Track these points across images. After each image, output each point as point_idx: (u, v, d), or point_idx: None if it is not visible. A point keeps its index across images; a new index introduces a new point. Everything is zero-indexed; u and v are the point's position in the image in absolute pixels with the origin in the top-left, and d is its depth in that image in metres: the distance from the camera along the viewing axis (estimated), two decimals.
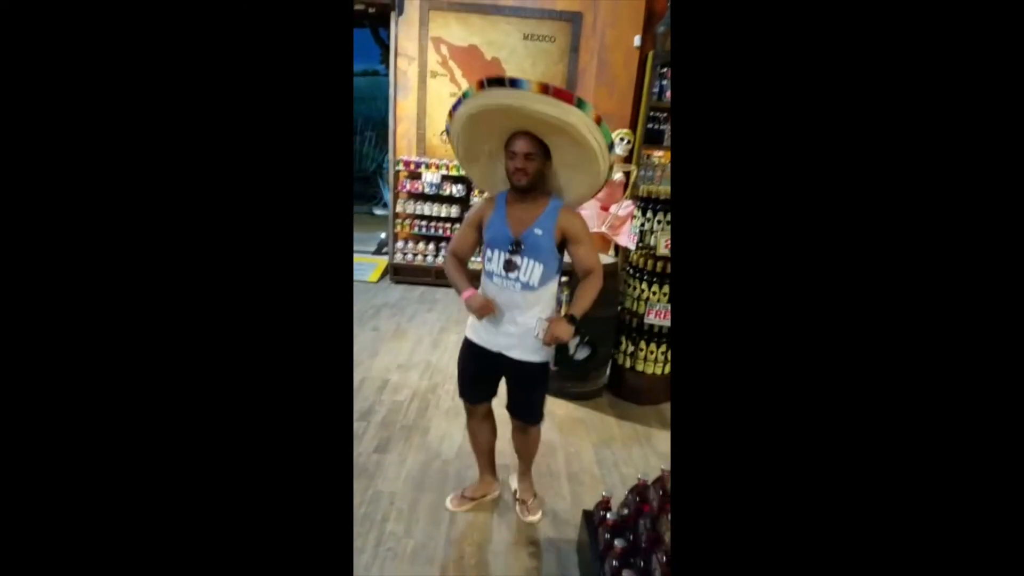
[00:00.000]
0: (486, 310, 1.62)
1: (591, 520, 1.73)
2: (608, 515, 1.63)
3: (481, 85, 1.45)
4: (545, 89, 1.39)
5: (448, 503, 1.98)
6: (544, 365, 1.71)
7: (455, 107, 1.56)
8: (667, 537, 1.34)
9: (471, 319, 1.73)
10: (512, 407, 1.82)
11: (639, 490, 1.58)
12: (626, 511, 1.63)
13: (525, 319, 1.63)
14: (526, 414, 1.81)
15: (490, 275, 1.65)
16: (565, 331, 1.55)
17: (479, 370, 1.77)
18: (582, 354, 1.69)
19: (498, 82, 1.43)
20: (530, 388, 1.76)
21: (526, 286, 1.60)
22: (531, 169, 1.53)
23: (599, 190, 1.65)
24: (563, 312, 1.64)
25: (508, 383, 1.79)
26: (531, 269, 1.59)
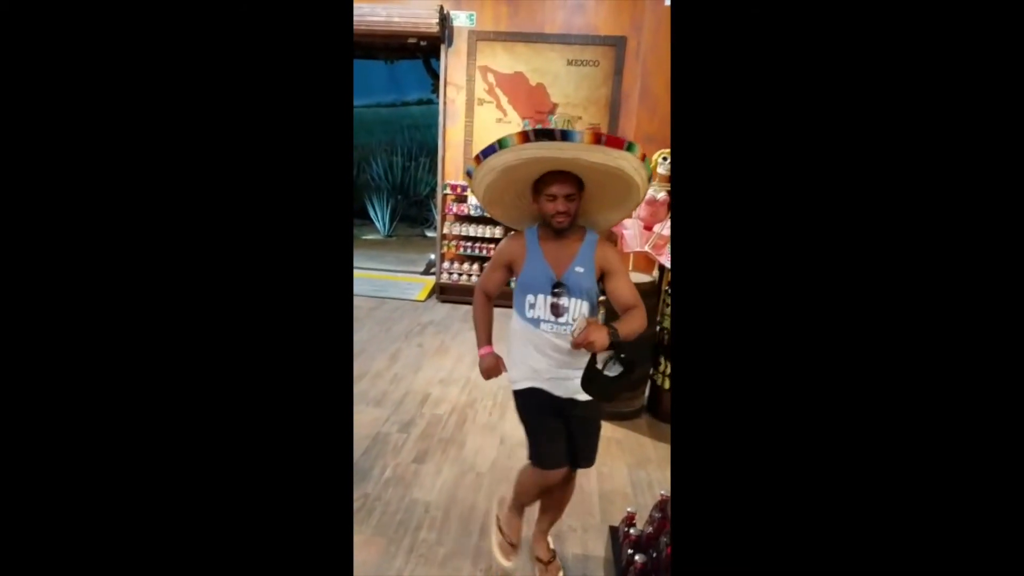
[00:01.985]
0: (494, 372, 1.60)
1: (616, 536, 1.74)
2: (631, 531, 1.64)
3: (526, 137, 1.35)
4: (598, 139, 1.34)
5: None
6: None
7: (486, 154, 1.44)
8: None
9: (521, 366, 1.59)
10: (580, 457, 1.63)
11: (661, 506, 1.58)
12: (650, 528, 1.63)
13: (585, 359, 1.49)
14: (590, 458, 1.65)
15: (536, 322, 1.52)
16: (601, 338, 1.38)
17: (559, 420, 1.58)
18: (613, 371, 1.49)
19: (547, 134, 1.36)
20: (598, 426, 1.67)
21: None
22: (572, 210, 1.47)
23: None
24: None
25: (583, 429, 1.62)
26: (579, 309, 1.51)
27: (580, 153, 1.36)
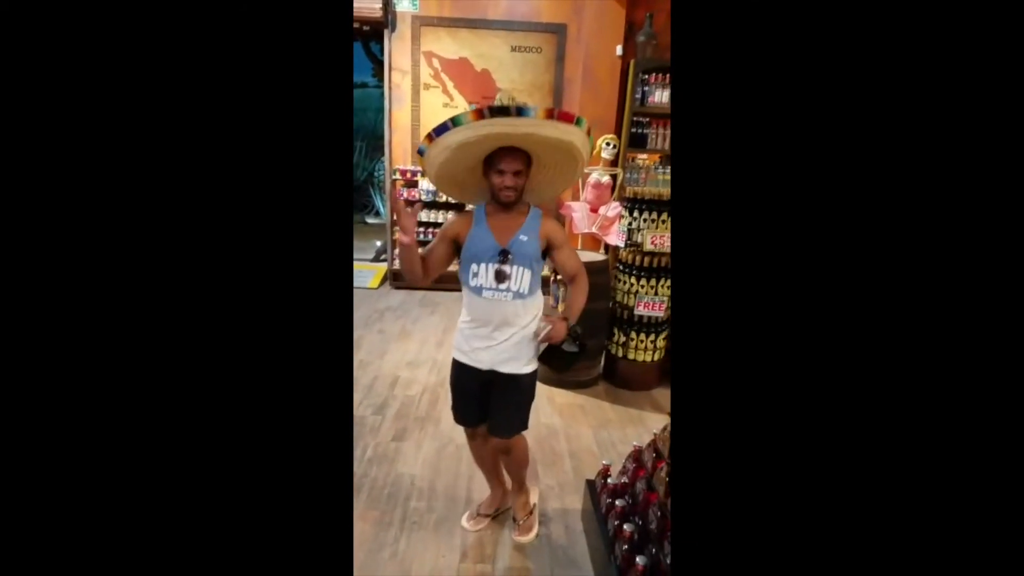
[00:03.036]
0: (409, 220, 1.52)
1: (593, 488, 1.95)
2: (609, 480, 1.84)
3: (481, 115, 1.42)
4: (550, 114, 1.44)
5: (464, 523, 1.97)
6: (534, 375, 1.74)
7: (438, 132, 1.48)
8: (661, 491, 1.56)
9: (458, 342, 1.74)
10: (497, 426, 1.75)
11: (635, 456, 1.79)
12: (624, 478, 1.84)
13: (521, 330, 1.66)
14: (512, 429, 1.75)
15: (478, 290, 1.62)
16: (560, 331, 1.63)
17: (476, 390, 1.75)
18: (570, 348, 1.70)
19: (503, 111, 1.43)
20: (521, 402, 1.74)
21: (518, 295, 1.61)
22: (519, 185, 1.58)
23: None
24: (560, 314, 1.72)
25: (495, 400, 1.74)
26: (521, 276, 1.60)
27: (534, 129, 1.45)
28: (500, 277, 1.59)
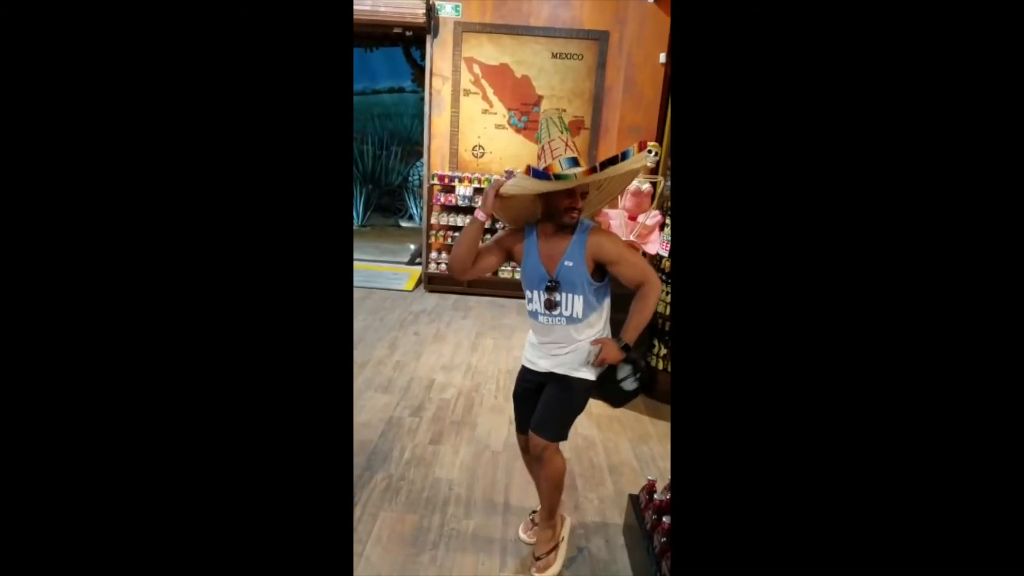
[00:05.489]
0: (491, 195, 1.55)
1: (637, 503, 1.89)
2: (655, 496, 1.79)
3: (593, 170, 1.47)
4: (642, 146, 1.47)
5: (521, 534, 1.93)
6: (587, 384, 1.67)
7: (538, 174, 1.47)
8: None
9: (526, 350, 1.76)
10: (535, 420, 1.69)
11: None
12: (670, 494, 1.78)
13: (578, 344, 1.64)
14: (543, 427, 1.66)
15: (535, 315, 1.65)
16: (613, 354, 1.58)
17: (533, 394, 1.74)
18: (630, 385, 1.60)
19: (610, 162, 1.47)
20: (565, 402, 1.68)
21: (571, 319, 1.61)
22: (582, 205, 1.56)
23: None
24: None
25: (542, 397, 1.71)
26: (571, 303, 1.59)
27: (632, 165, 1.49)
28: (550, 306, 1.62)
